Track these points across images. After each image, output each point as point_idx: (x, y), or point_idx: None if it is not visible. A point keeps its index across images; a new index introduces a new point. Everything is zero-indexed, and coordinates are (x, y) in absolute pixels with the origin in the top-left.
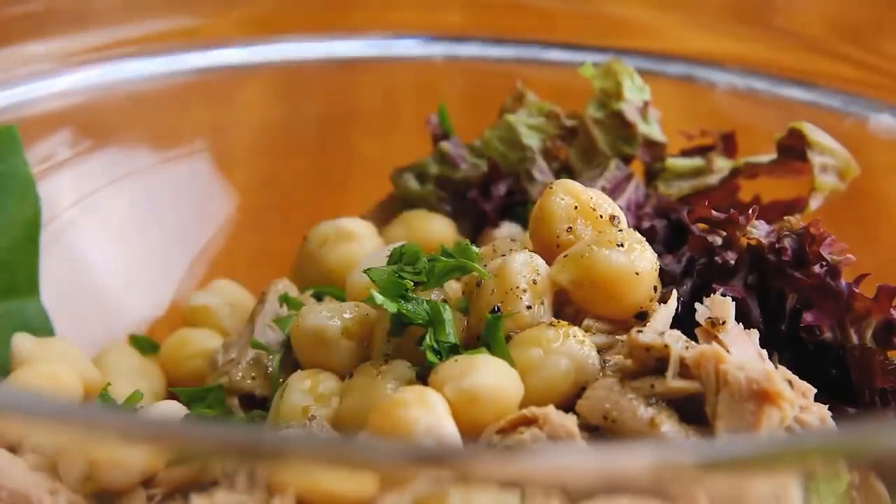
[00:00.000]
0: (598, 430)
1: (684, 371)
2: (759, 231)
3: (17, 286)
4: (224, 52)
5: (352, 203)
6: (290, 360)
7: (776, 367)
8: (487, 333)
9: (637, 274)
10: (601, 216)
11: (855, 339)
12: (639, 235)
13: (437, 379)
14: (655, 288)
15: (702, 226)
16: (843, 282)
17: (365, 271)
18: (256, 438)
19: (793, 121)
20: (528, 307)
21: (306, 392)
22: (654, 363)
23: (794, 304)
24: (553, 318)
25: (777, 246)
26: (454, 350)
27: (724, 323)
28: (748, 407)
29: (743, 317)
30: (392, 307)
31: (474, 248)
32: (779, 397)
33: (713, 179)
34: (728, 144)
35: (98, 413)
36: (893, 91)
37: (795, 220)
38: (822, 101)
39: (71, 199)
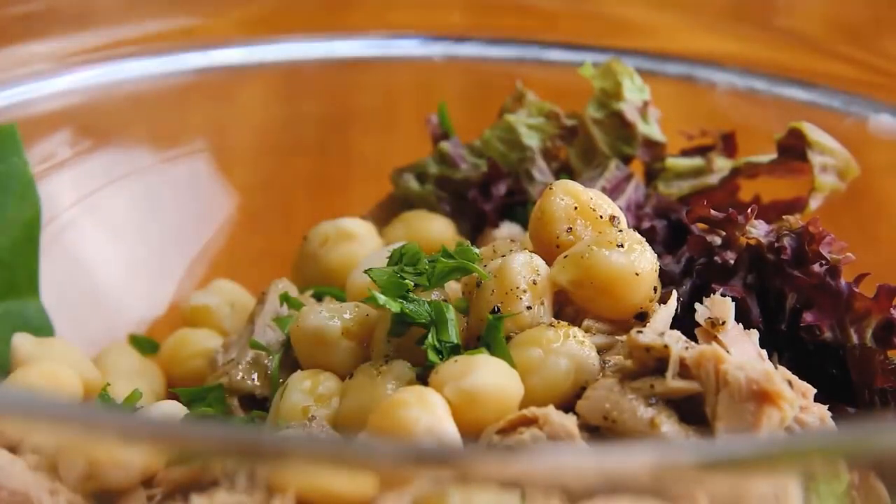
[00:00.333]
0: (598, 430)
1: (684, 371)
2: (758, 231)
3: (17, 286)
4: (224, 52)
5: (352, 203)
6: (290, 360)
7: (776, 367)
8: (488, 334)
9: (637, 274)
10: (601, 216)
11: (855, 338)
12: (639, 236)
13: (437, 379)
14: (655, 288)
15: (701, 226)
16: (842, 281)
17: (366, 271)
18: (256, 438)
19: (793, 121)
20: (528, 308)
21: (306, 392)
22: (653, 363)
23: (793, 304)
24: (553, 319)
25: (776, 245)
26: (456, 350)
27: (723, 323)
28: (748, 407)
29: (743, 317)
30: (395, 307)
31: (474, 249)
32: (779, 397)
33: (713, 179)
34: (728, 144)
35: (98, 413)
36: (893, 91)
37: (795, 220)
38: (822, 101)
39: (71, 199)
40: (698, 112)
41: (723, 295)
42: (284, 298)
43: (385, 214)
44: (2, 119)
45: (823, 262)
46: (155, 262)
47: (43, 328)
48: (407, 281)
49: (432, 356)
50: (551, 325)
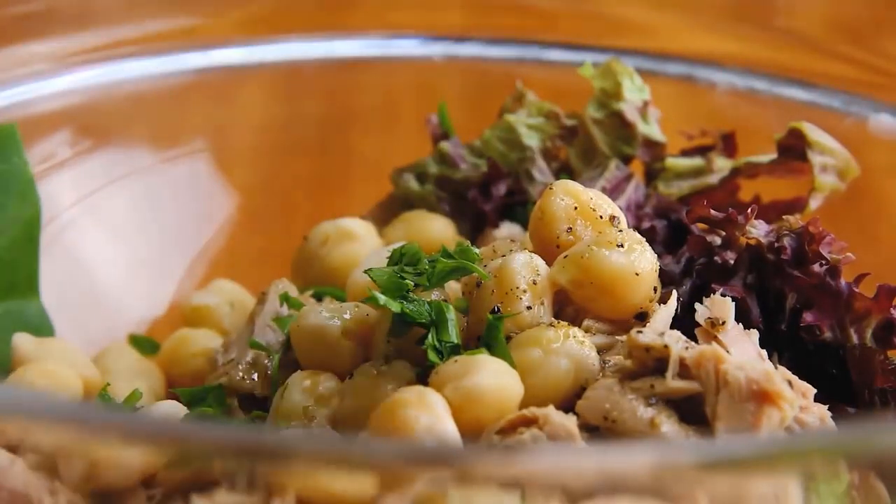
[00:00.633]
0: (598, 430)
1: (684, 371)
2: (758, 230)
3: (17, 286)
4: (224, 52)
5: (352, 203)
6: (290, 360)
7: (776, 367)
8: (488, 334)
9: (637, 274)
10: (601, 217)
11: (855, 338)
12: (639, 236)
13: (437, 379)
14: (655, 288)
15: (701, 226)
16: (842, 281)
17: (366, 271)
18: (256, 438)
19: (793, 121)
20: (528, 308)
21: (306, 392)
22: (653, 363)
23: (793, 304)
24: (553, 319)
25: (776, 245)
26: (456, 350)
27: (723, 323)
28: (748, 407)
29: (742, 317)
30: (395, 307)
31: (474, 249)
32: (779, 397)
33: (713, 179)
34: (728, 144)
35: (98, 413)
36: (893, 91)
37: (794, 220)
38: (822, 101)
39: (71, 199)
40: (698, 112)
41: (723, 295)
42: (284, 298)
43: (385, 214)
44: (2, 119)
45: (823, 262)
46: (155, 262)
47: (43, 328)
48: (407, 281)
49: (432, 356)
50: (551, 325)
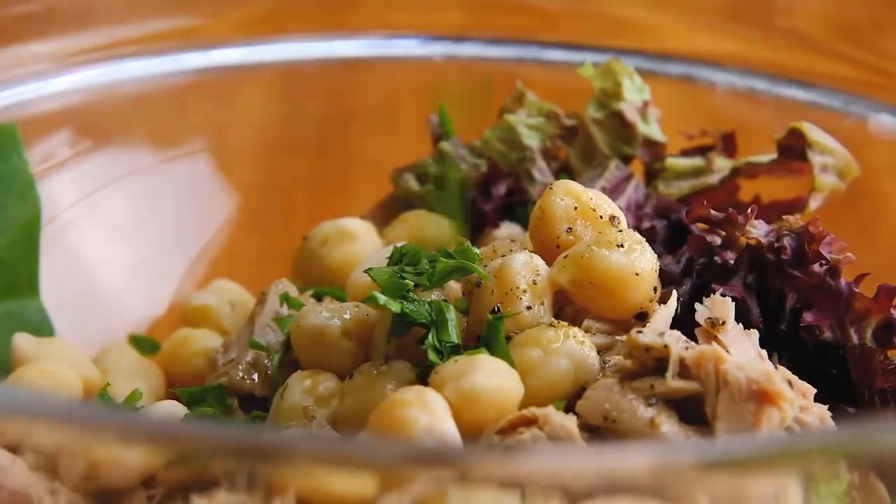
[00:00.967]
0: (598, 430)
1: (684, 371)
2: (758, 230)
3: (17, 286)
4: (224, 52)
5: (352, 203)
6: (290, 360)
7: (776, 367)
8: (488, 334)
9: (637, 274)
10: (601, 217)
11: (855, 338)
12: (639, 236)
13: (437, 379)
14: (655, 288)
15: (701, 226)
16: (842, 281)
17: (366, 271)
18: (256, 438)
19: (793, 121)
20: (528, 308)
21: (306, 392)
22: (653, 363)
23: (793, 304)
24: (553, 319)
25: (776, 245)
26: (456, 350)
27: (723, 323)
28: (748, 407)
29: (742, 317)
30: (395, 307)
31: (474, 249)
32: (779, 397)
33: (713, 179)
34: (728, 144)
35: (98, 413)
36: (893, 91)
37: (794, 220)
38: (822, 101)
39: (71, 199)
40: (698, 112)
41: (723, 295)
42: (284, 298)
43: (385, 214)
44: (2, 119)
45: (823, 262)
46: (155, 262)
47: (43, 328)
48: (407, 281)
49: (432, 356)
50: (551, 325)
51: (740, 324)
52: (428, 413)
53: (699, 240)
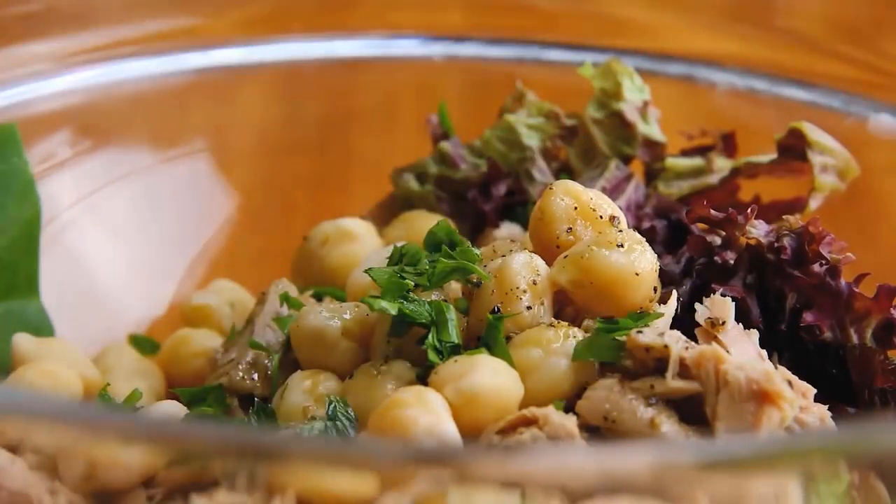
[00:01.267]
0: (598, 430)
1: (684, 371)
2: (758, 230)
3: (17, 286)
4: (224, 52)
5: (352, 203)
6: (290, 360)
7: (776, 367)
8: (487, 334)
9: (637, 274)
10: (601, 217)
11: (855, 338)
12: (639, 236)
13: (437, 379)
14: (655, 288)
15: (701, 226)
16: (842, 281)
17: (366, 271)
18: (256, 438)
19: (793, 121)
20: (528, 308)
21: (306, 392)
22: (653, 363)
23: (793, 304)
24: (553, 319)
25: (776, 245)
26: (456, 350)
27: (723, 323)
28: (748, 407)
29: (742, 317)
30: (393, 309)
31: (474, 250)
32: (779, 397)
33: (713, 179)
34: (728, 144)
35: (98, 413)
36: (893, 91)
37: (795, 220)
38: (822, 101)
39: (71, 199)
40: (698, 112)
41: (723, 295)
42: (284, 298)
43: (385, 214)
44: (2, 119)
45: (823, 261)
46: (155, 262)
47: (43, 328)
48: (407, 281)
49: (433, 356)
50: (551, 325)
51: (740, 324)
52: (428, 413)
53: (699, 240)
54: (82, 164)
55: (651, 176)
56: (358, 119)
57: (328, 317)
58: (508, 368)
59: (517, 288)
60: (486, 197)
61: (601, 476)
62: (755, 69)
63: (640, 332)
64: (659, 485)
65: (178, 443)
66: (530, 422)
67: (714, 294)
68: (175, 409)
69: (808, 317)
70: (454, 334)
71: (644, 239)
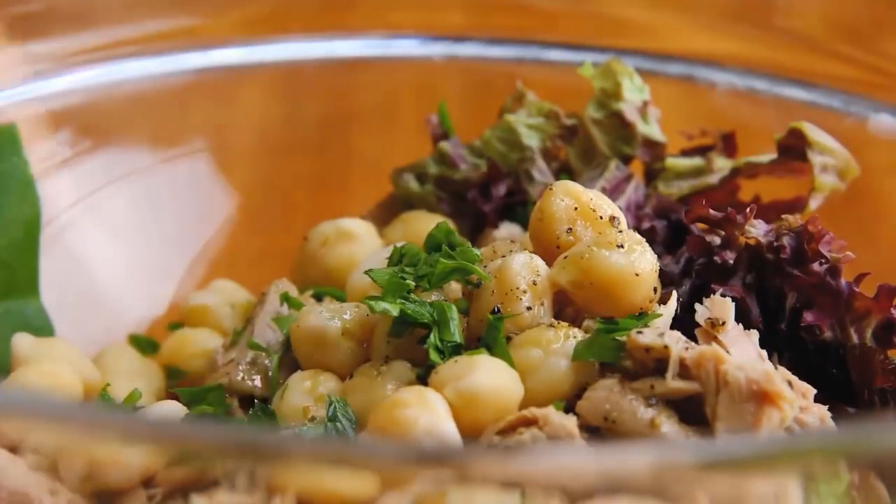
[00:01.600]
0: (598, 430)
1: (684, 372)
2: (757, 230)
3: (17, 286)
4: (224, 52)
5: (352, 203)
6: (290, 361)
7: (776, 368)
8: (488, 334)
9: (637, 275)
10: (601, 217)
11: (855, 338)
12: (638, 236)
13: (436, 379)
14: (655, 289)
15: (701, 226)
16: (842, 281)
17: (366, 272)
18: (256, 438)
19: (793, 121)
20: (528, 308)
21: (306, 392)
22: (653, 364)
23: (793, 304)
24: (553, 320)
25: (776, 244)
26: (458, 350)
27: (723, 323)
28: (748, 408)
29: (742, 317)
30: (395, 310)
31: (474, 250)
32: (779, 398)
33: (713, 179)
34: (728, 144)
35: (98, 413)
36: (893, 91)
37: (794, 219)
38: (822, 101)
39: (71, 199)
40: (698, 112)
41: (722, 295)
42: (284, 298)
43: (385, 214)
44: (2, 119)
45: (823, 260)
46: (155, 262)
47: (43, 328)
48: (408, 281)
49: (434, 356)
50: (551, 325)
51: (740, 324)
52: (428, 413)
53: (698, 240)
54: (82, 164)
55: (651, 176)
56: (358, 119)
57: (328, 317)
58: (508, 369)
59: (517, 288)
60: (486, 197)
61: (601, 476)
62: (755, 69)
63: (640, 332)
64: (659, 485)
65: (178, 443)
66: (530, 422)
67: (714, 294)
68: (175, 409)
69: (808, 316)
70: (456, 334)
71: (644, 239)
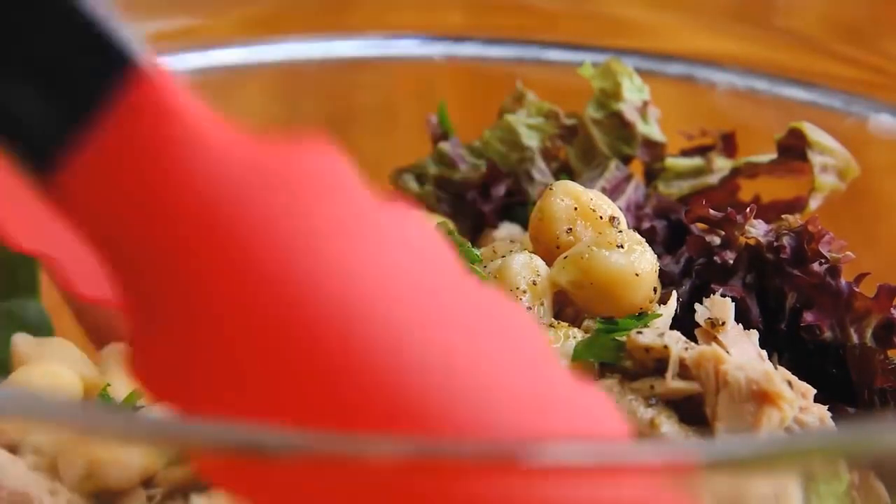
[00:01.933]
0: None
1: (684, 372)
2: (757, 230)
3: (17, 286)
4: (224, 52)
5: None
6: None
7: (776, 368)
8: None
9: (637, 275)
10: (601, 217)
11: (855, 338)
12: (639, 237)
13: None
14: (655, 289)
15: (701, 226)
16: (842, 281)
17: None
18: (256, 438)
19: (793, 121)
20: (529, 308)
21: None
22: (653, 364)
23: (793, 304)
24: (553, 319)
25: (775, 244)
26: None
27: (723, 323)
28: (748, 408)
29: (742, 317)
30: None
31: (474, 250)
32: (779, 398)
33: (713, 179)
34: (728, 144)
35: (98, 413)
36: (893, 91)
37: (794, 219)
38: (822, 101)
39: None
40: (698, 112)
41: (723, 295)
42: None
43: None
44: None
45: (823, 260)
46: None
47: (43, 328)
48: None
49: None
50: (551, 325)
51: (740, 324)
52: None
53: (698, 240)
54: None
55: (651, 176)
56: (358, 119)
57: None
58: None
59: (517, 288)
60: (486, 197)
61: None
62: (755, 69)
63: (640, 332)
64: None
65: (179, 443)
66: None
67: (714, 294)
68: None
69: (808, 316)
70: None
71: (644, 239)
